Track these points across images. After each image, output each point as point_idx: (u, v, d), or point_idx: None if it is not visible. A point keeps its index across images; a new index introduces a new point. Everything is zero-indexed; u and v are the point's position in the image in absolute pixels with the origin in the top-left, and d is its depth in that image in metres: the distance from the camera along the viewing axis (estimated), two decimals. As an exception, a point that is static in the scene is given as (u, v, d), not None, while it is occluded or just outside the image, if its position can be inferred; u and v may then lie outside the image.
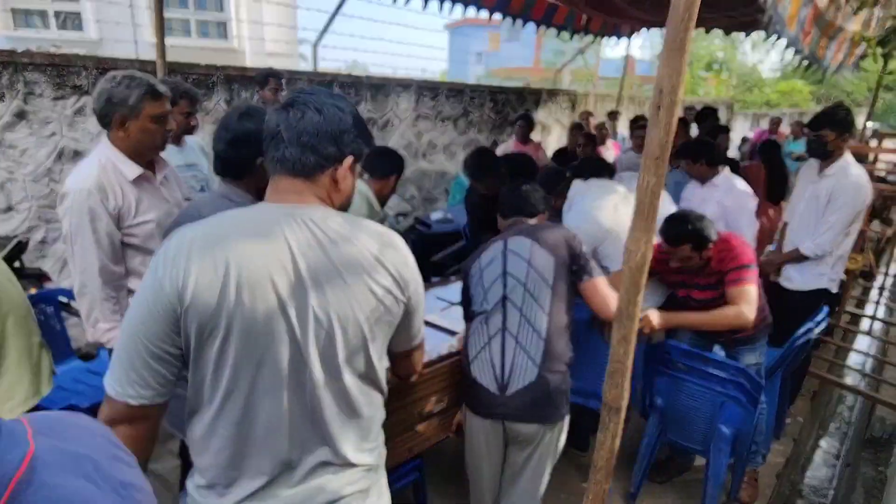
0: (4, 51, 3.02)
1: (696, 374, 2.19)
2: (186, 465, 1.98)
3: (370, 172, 2.38)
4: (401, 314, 1.06)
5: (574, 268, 1.75)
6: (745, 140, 9.56)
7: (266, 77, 3.31)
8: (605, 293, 1.74)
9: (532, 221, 1.91)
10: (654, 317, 2.10)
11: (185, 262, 0.89)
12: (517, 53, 23.59)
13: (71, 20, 8.07)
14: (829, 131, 2.71)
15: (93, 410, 1.97)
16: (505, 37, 26.16)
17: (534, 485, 1.79)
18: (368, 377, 1.03)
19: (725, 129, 4.45)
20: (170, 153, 2.49)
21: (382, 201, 2.41)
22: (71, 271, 1.76)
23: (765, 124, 11.38)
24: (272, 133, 0.97)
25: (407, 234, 3.81)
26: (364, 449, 1.04)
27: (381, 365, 1.06)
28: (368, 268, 0.97)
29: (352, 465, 1.02)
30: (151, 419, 0.94)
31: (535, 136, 6.43)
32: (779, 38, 2.05)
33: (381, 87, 4.66)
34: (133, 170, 1.71)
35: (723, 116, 11.23)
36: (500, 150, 4.12)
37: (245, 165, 1.44)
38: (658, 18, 4.25)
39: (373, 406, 1.06)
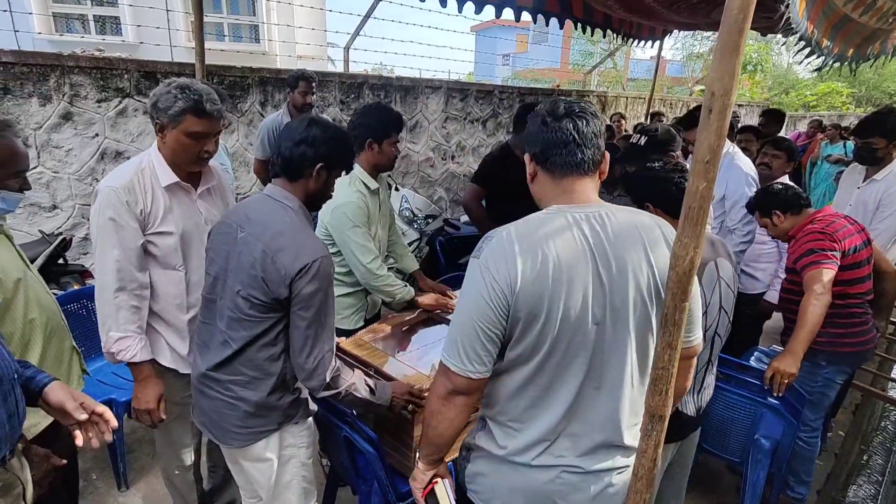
0: (52, 54, 3.13)
1: (734, 382, 2.13)
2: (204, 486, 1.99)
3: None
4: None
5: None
6: (780, 143, 9.30)
7: (297, 80, 3.35)
8: None
9: None
10: (787, 364, 1.99)
11: (512, 258, 1.05)
12: (544, 55, 23.40)
13: (110, 24, 8.30)
14: (880, 139, 2.61)
15: (129, 404, 1.99)
16: (532, 39, 25.99)
17: (685, 477, 1.94)
18: (645, 370, 1.16)
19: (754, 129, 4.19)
20: None
21: (382, 169, 2.27)
22: None
23: (802, 127, 11.06)
24: (564, 140, 1.12)
25: (435, 236, 3.82)
26: (634, 435, 1.18)
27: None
28: (651, 247, 1.11)
29: (626, 448, 1.18)
30: (479, 391, 1.16)
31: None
32: (792, 26, 2.00)
33: (410, 89, 4.68)
34: (168, 177, 1.65)
35: (755, 120, 10.96)
36: None
37: (303, 167, 1.48)
38: (693, 21, 4.15)
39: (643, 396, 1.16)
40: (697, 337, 1.24)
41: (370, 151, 2.16)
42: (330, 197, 1.61)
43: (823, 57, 2.93)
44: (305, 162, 1.49)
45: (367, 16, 4.43)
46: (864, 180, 2.79)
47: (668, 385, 1.13)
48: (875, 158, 2.68)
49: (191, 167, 1.68)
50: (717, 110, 0.99)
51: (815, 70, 3.46)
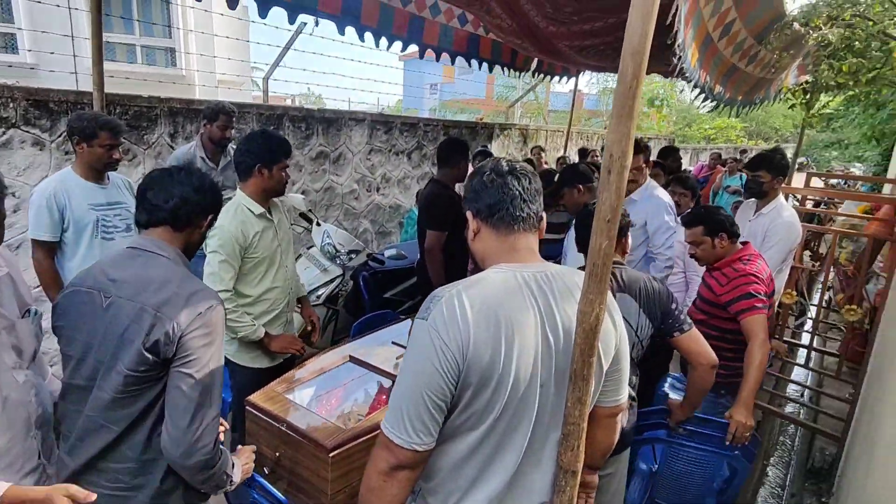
0: (-79, 78, 2.80)
1: (698, 438, 2.11)
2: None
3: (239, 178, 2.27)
4: (613, 353, 1.16)
5: (663, 326, 1.82)
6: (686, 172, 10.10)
7: (216, 113, 3.19)
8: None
9: None
10: (744, 416, 2.01)
11: (464, 321, 1.02)
12: (470, 86, 24.14)
13: (6, 42, 7.59)
14: (766, 173, 2.88)
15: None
16: (458, 70, 26.75)
17: (622, 488, 1.98)
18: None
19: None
20: (89, 191, 2.41)
21: (273, 193, 2.25)
22: None
23: (704, 157, 12.06)
24: (511, 195, 1.14)
25: (359, 272, 3.74)
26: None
27: None
28: None
29: None
30: (425, 463, 1.09)
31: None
32: (686, 75, 2.23)
33: (333, 121, 4.62)
34: None
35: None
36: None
37: (196, 215, 1.41)
38: (602, 64, 4.44)
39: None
40: (624, 396, 1.27)
41: (259, 177, 2.18)
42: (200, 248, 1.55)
43: (716, 101, 3.27)
44: (203, 209, 1.42)
45: (287, 48, 4.35)
46: (753, 214, 3.05)
47: (579, 440, 1.13)
48: (762, 192, 2.94)
49: None
50: (615, 171, 1.02)
51: (710, 111, 3.84)
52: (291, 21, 3.20)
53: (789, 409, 3.67)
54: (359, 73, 6.11)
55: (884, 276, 2.90)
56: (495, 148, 6.63)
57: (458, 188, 3.56)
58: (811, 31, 3.37)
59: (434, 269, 3.00)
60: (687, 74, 2.35)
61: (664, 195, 3.08)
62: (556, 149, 7.80)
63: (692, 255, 2.40)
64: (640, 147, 3.08)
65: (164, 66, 9.05)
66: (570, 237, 2.69)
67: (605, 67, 4.86)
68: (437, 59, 4.33)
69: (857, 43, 3.68)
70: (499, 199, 1.14)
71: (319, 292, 3.53)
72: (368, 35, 3.60)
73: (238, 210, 2.17)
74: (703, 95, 2.92)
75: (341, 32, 3.49)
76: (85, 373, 1.28)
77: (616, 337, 1.17)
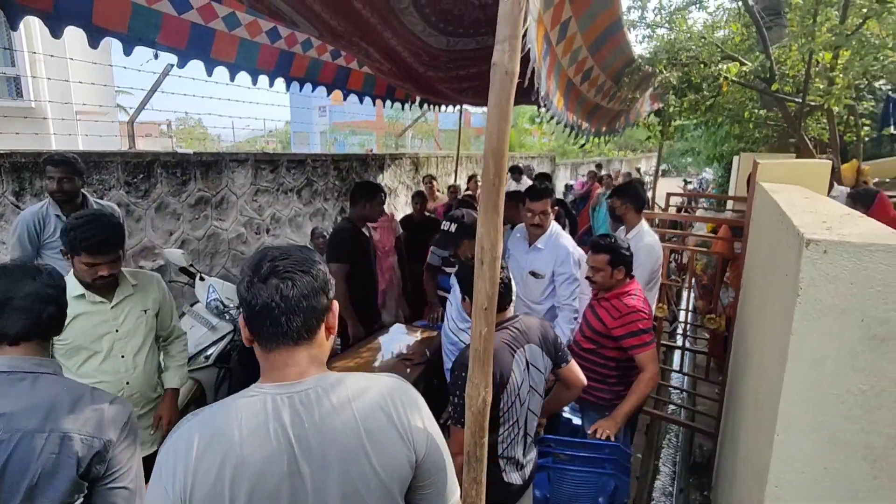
0: None
1: (578, 461, 2.21)
2: None
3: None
4: (413, 472, 1.02)
5: (554, 361, 2.00)
6: (568, 188, 10.85)
7: (44, 164, 2.84)
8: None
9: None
10: (610, 427, 2.22)
11: (184, 465, 0.90)
12: (360, 108, 24.17)
13: None
14: (616, 199, 3.22)
15: None
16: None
17: None
18: None
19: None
20: None
21: (84, 284, 1.97)
22: None
23: (583, 171, 13.03)
24: (266, 306, 0.94)
25: (253, 324, 3.54)
26: None
27: None
28: (368, 434, 0.97)
29: None
30: None
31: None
32: (553, 116, 2.49)
33: (212, 164, 4.37)
34: None
35: (547, 167, 12.61)
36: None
37: (61, 318, 1.30)
38: (481, 101, 4.68)
39: None
40: (454, 499, 1.10)
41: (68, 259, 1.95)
42: None
43: (584, 135, 3.60)
44: (64, 310, 1.31)
45: (153, 90, 4.04)
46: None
47: (478, 519, 1.17)
48: (615, 215, 3.30)
49: None
50: (487, 262, 1.07)
51: (581, 146, 4.22)
52: (127, 53, 3.02)
53: (674, 409, 4.05)
54: (245, 97, 5.85)
55: (733, 288, 3.32)
56: (387, 178, 6.67)
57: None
58: (657, 72, 3.82)
59: (340, 300, 2.99)
60: (555, 117, 2.59)
61: (568, 242, 3.08)
62: (448, 174, 8.01)
63: (589, 279, 2.51)
64: (547, 191, 3.11)
65: (8, 97, 7.98)
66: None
67: (485, 104, 5.12)
68: (301, 89, 4.43)
69: (694, 79, 4.22)
70: (256, 309, 0.95)
71: (209, 352, 3.29)
72: (221, 69, 3.57)
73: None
74: (573, 132, 3.22)
75: (181, 66, 3.38)
76: None
77: (412, 451, 1.00)
